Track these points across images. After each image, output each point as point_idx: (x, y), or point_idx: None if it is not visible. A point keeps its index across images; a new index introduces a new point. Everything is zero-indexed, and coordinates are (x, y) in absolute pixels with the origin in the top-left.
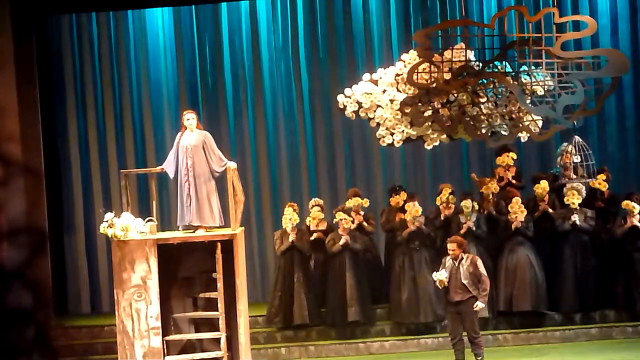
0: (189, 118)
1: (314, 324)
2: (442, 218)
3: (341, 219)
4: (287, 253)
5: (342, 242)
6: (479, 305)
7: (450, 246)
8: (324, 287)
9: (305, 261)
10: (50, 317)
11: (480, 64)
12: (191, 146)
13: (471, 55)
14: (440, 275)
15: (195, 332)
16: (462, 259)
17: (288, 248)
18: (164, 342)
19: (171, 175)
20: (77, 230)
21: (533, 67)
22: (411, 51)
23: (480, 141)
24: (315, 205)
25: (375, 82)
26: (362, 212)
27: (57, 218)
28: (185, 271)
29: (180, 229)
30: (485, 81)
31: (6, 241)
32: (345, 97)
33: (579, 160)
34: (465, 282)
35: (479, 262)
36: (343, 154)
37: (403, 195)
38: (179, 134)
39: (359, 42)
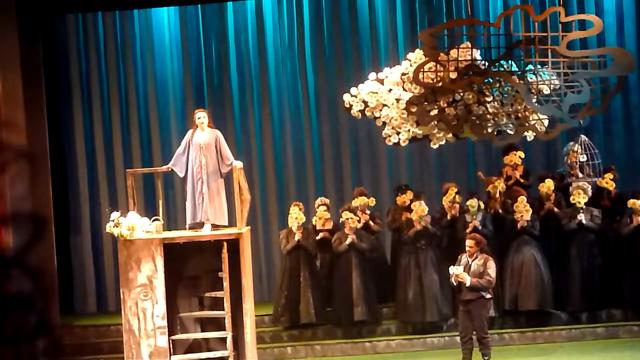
0: (200, 117)
1: (320, 323)
2: (448, 218)
3: (347, 218)
4: (293, 252)
5: (348, 241)
6: (454, 270)
7: (469, 242)
8: (330, 286)
9: (311, 260)
10: (55, 305)
11: (486, 63)
12: (205, 144)
13: (477, 54)
14: (457, 270)
15: (202, 331)
16: (477, 257)
17: (294, 247)
18: (170, 341)
19: (181, 174)
20: (83, 229)
21: (539, 66)
22: (417, 50)
23: (486, 140)
24: (322, 204)
25: (381, 81)
26: (368, 212)
27: (64, 217)
28: (192, 270)
29: (187, 227)
30: (491, 80)
31: (8, 227)
32: (351, 96)
33: (585, 159)
34: (473, 280)
35: (490, 263)
36: (349, 153)
37: (409, 195)
38: (190, 132)
39: (365, 41)
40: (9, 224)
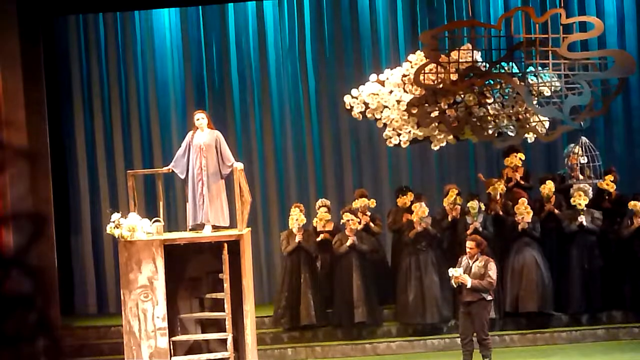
0: (199, 118)
1: (321, 325)
2: (449, 219)
3: (348, 220)
4: (294, 254)
5: (349, 242)
6: (453, 272)
7: (469, 244)
8: (330, 287)
9: (311, 262)
10: (55, 305)
11: (487, 65)
12: (205, 145)
13: (478, 56)
14: (456, 272)
15: (202, 332)
16: (477, 259)
17: (295, 249)
18: (171, 342)
19: (182, 176)
20: (84, 230)
21: (540, 68)
22: (418, 52)
23: (486, 142)
24: (322, 206)
25: (382, 83)
26: (368, 213)
27: (64, 218)
28: (192, 272)
29: (188, 228)
30: (492, 82)
31: (9, 226)
32: (352, 97)
33: (586, 161)
34: (474, 281)
35: (491, 265)
36: (350, 154)
37: (410, 196)
38: (190, 133)
39: (366, 42)
40: (9, 224)
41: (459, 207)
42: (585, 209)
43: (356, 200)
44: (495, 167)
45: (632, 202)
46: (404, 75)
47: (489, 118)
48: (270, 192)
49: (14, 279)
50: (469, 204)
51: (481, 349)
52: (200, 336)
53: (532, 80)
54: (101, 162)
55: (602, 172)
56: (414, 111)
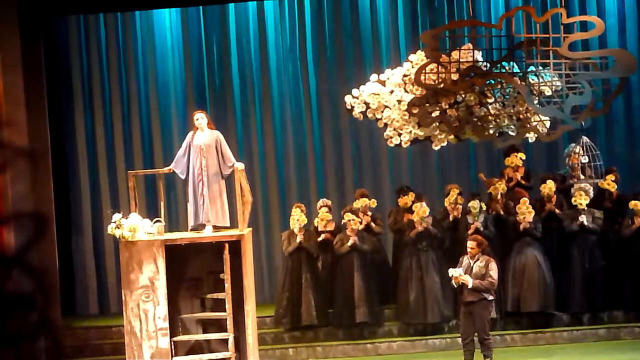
0: (199, 118)
1: (322, 325)
2: (450, 219)
3: (349, 220)
4: (295, 254)
5: (350, 243)
6: (453, 273)
7: (470, 244)
8: (331, 287)
9: (313, 262)
10: (56, 305)
11: (488, 65)
12: (205, 146)
13: (479, 55)
14: (456, 272)
15: (203, 332)
16: (478, 259)
17: (296, 249)
18: (172, 342)
19: (182, 176)
20: (85, 231)
21: (541, 68)
22: (419, 52)
23: (487, 142)
24: (323, 206)
25: (383, 83)
26: (369, 213)
27: (65, 218)
28: (193, 272)
29: (189, 229)
30: (492, 82)
31: (10, 226)
32: (353, 97)
33: (587, 160)
34: (476, 282)
35: (492, 265)
36: (350, 154)
37: (411, 196)
38: (190, 134)
39: (367, 42)
40: (11, 223)
41: (460, 207)
42: (586, 208)
43: (357, 200)
44: (496, 167)
45: (633, 202)
46: (405, 75)
47: (489, 118)
48: (271, 192)
49: (15, 279)
50: (470, 204)
51: (482, 348)
52: (202, 336)
53: (533, 79)
54: (102, 162)
55: (603, 171)
56: (415, 111)
